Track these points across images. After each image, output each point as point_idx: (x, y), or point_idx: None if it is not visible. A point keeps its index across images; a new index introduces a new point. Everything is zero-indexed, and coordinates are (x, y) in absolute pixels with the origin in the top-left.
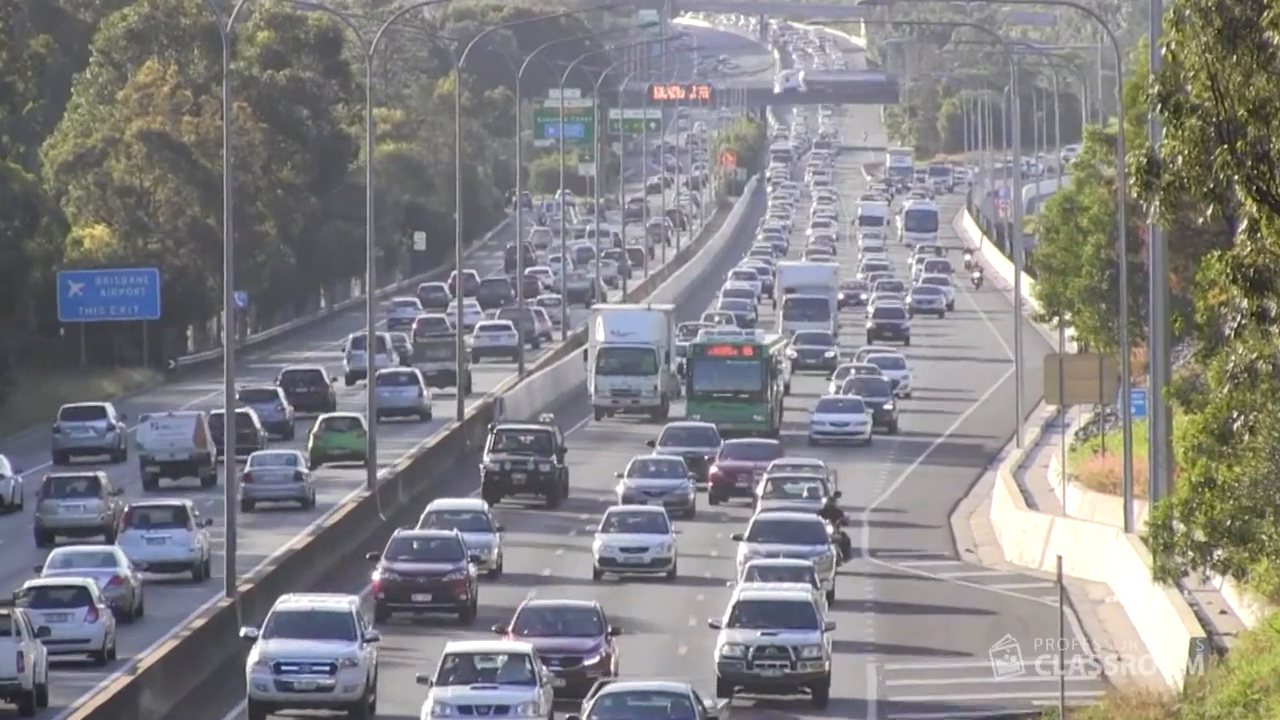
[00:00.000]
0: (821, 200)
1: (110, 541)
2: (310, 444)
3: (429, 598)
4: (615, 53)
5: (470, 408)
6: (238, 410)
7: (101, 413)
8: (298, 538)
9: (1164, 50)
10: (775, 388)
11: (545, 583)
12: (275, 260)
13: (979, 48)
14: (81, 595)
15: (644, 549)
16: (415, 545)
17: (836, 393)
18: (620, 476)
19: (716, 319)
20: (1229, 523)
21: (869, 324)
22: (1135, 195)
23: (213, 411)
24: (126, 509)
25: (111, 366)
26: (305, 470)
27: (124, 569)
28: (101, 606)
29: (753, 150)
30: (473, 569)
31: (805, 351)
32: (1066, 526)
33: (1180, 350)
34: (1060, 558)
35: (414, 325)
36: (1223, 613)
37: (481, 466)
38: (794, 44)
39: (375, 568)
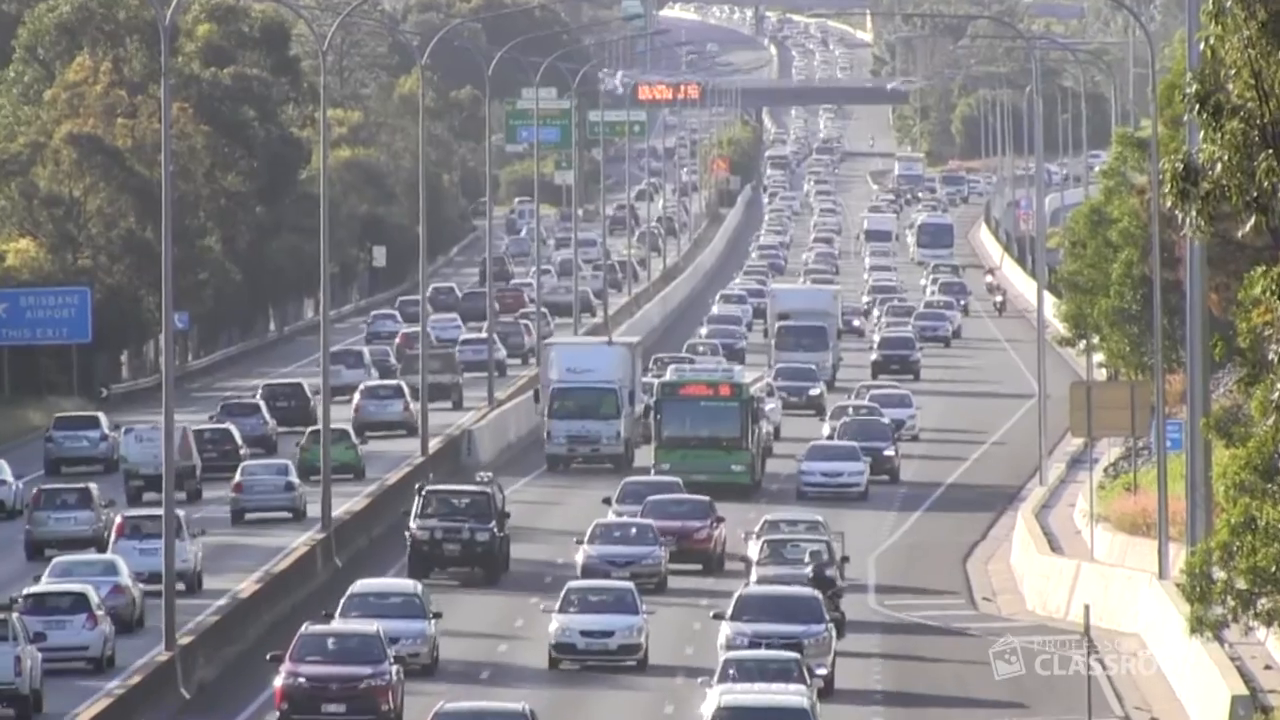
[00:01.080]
0: (824, 212)
1: (102, 553)
2: (298, 457)
3: (343, 708)
4: (595, 48)
5: (435, 440)
6: (218, 426)
7: (95, 422)
8: (244, 584)
9: (1202, 45)
10: (757, 433)
11: (486, 683)
12: (219, 278)
13: (998, 43)
14: (80, 602)
15: (609, 633)
16: (328, 643)
17: (830, 437)
18: (579, 543)
19: (701, 350)
20: (1274, 569)
21: (873, 355)
22: (1170, 206)
23: (195, 427)
24: (119, 519)
25: (38, 395)
26: (296, 480)
27: (125, 578)
28: (100, 614)
29: (747, 156)
30: (397, 671)
31: (787, 389)
32: (1095, 573)
33: (1220, 377)
34: (1088, 607)
35: (398, 340)
36: (1267, 668)
37: (407, 535)
38: (793, 39)
39: (277, 670)
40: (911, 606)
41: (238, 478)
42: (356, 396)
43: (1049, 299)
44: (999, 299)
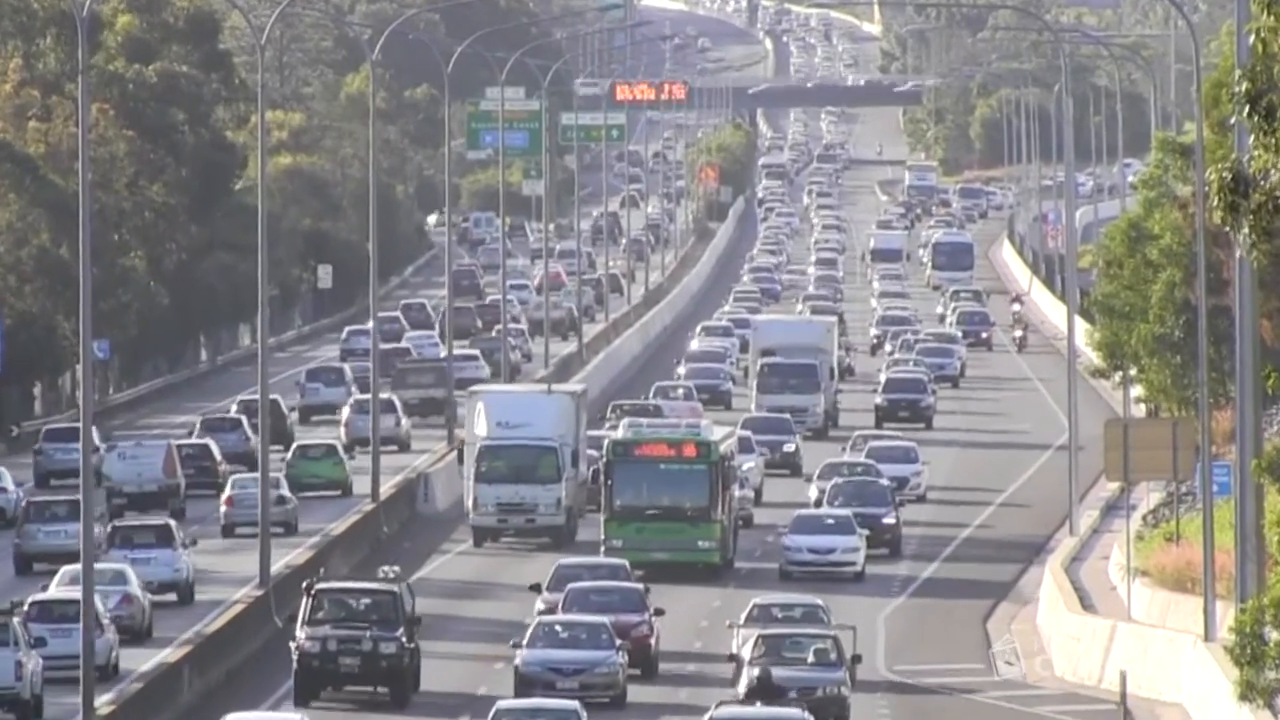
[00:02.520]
0: (826, 228)
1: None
2: (283, 473)
3: None
4: (568, 42)
5: (388, 485)
6: (198, 442)
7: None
8: (170, 649)
9: (1253, 38)
10: (730, 501)
11: None
12: (144, 301)
13: (1022, 36)
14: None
15: None
16: None
17: (818, 501)
18: (517, 646)
19: (673, 394)
20: None
21: (877, 399)
22: (1218, 220)
23: (177, 443)
24: (109, 529)
25: None
26: (288, 494)
27: (134, 588)
28: (105, 622)
29: (739, 164)
30: None
31: (754, 443)
32: (1132, 634)
33: (1274, 414)
34: (1124, 673)
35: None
36: None
37: (293, 646)
38: (792, 32)
39: None
40: (925, 672)
41: (228, 491)
42: (346, 411)
43: (1080, 325)
44: (1018, 333)
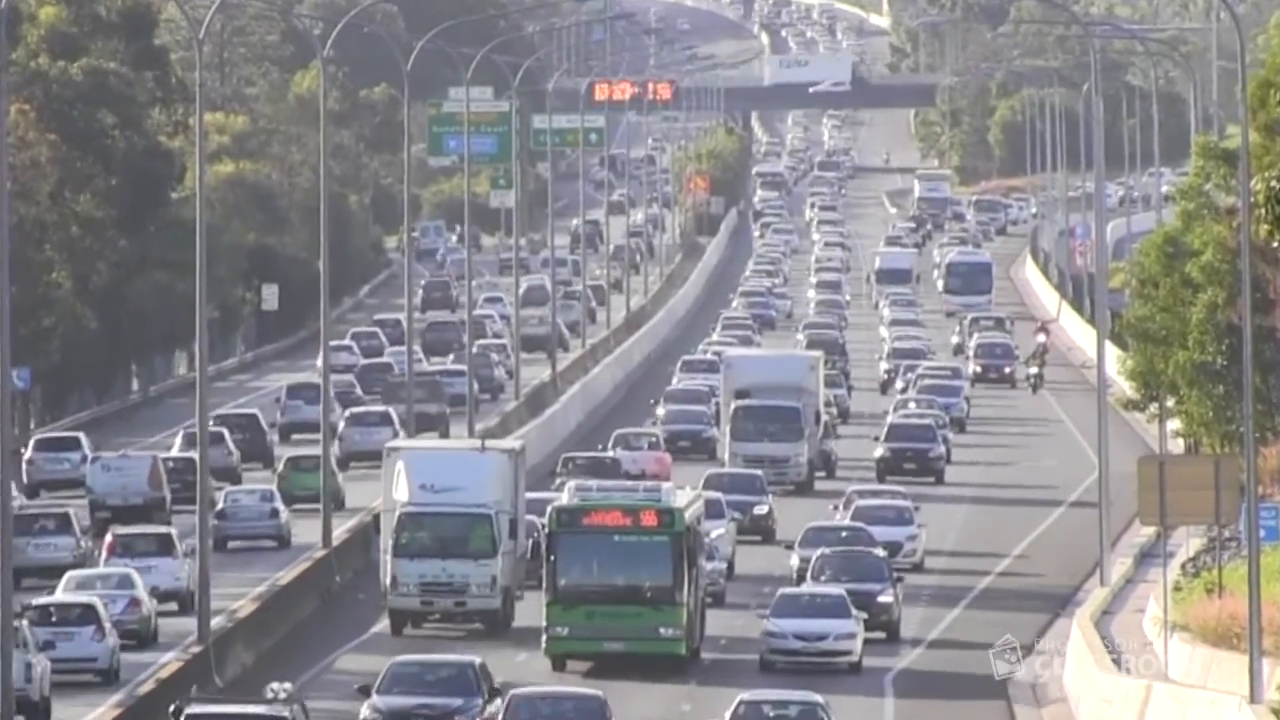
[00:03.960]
0: (828, 245)
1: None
2: (274, 485)
3: None
4: (541, 37)
5: (340, 530)
6: (181, 456)
7: (76, 443)
8: (100, 710)
9: None
10: (697, 579)
11: None
12: (69, 325)
13: (1048, 30)
14: (88, 614)
15: None
16: None
17: (800, 575)
18: None
19: (640, 444)
20: None
21: (878, 450)
22: (1265, 234)
23: (162, 456)
24: (109, 537)
25: None
26: (281, 507)
27: (140, 592)
28: (108, 626)
29: (732, 172)
30: None
31: (712, 502)
32: (1170, 695)
33: None
34: None
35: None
36: None
37: None
38: (791, 25)
39: None
40: None
41: (220, 504)
42: (341, 424)
43: (1112, 352)
44: (1033, 370)
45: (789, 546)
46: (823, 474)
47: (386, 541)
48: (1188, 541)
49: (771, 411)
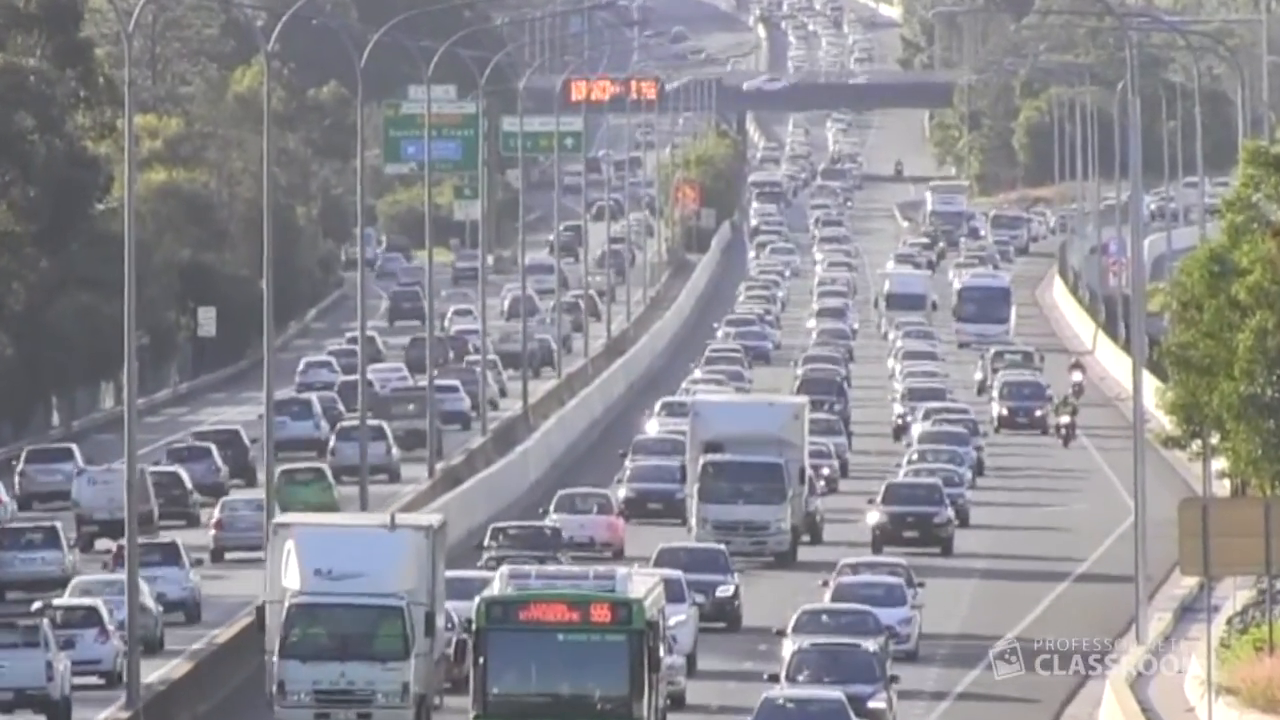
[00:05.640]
0: (832, 266)
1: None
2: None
3: None
4: (512, 30)
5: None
6: (166, 470)
7: (69, 454)
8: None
9: None
10: (658, 686)
11: None
12: None
13: (1078, 21)
14: (92, 617)
15: None
16: None
17: (787, 675)
18: None
19: (588, 506)
20: None
21: (873, 516)
22: None
23: (151, 469)
24: (114, 546)
25: None
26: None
27: (147, 599)
28: (112, 628)
29: (725, 181)
30: None
31: (671, 583)
32: None
33: None
34: None
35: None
36: None
37: None
38: (792, 18)
39: None
40: None
41: (217, 514)
42: (332, 439)
43: (1150, 383)
44: (1065, 420)
45: (780, 633)
46: (808, 539)
47: (273, 640)
48: (1234, 594)
49: (748, 468)
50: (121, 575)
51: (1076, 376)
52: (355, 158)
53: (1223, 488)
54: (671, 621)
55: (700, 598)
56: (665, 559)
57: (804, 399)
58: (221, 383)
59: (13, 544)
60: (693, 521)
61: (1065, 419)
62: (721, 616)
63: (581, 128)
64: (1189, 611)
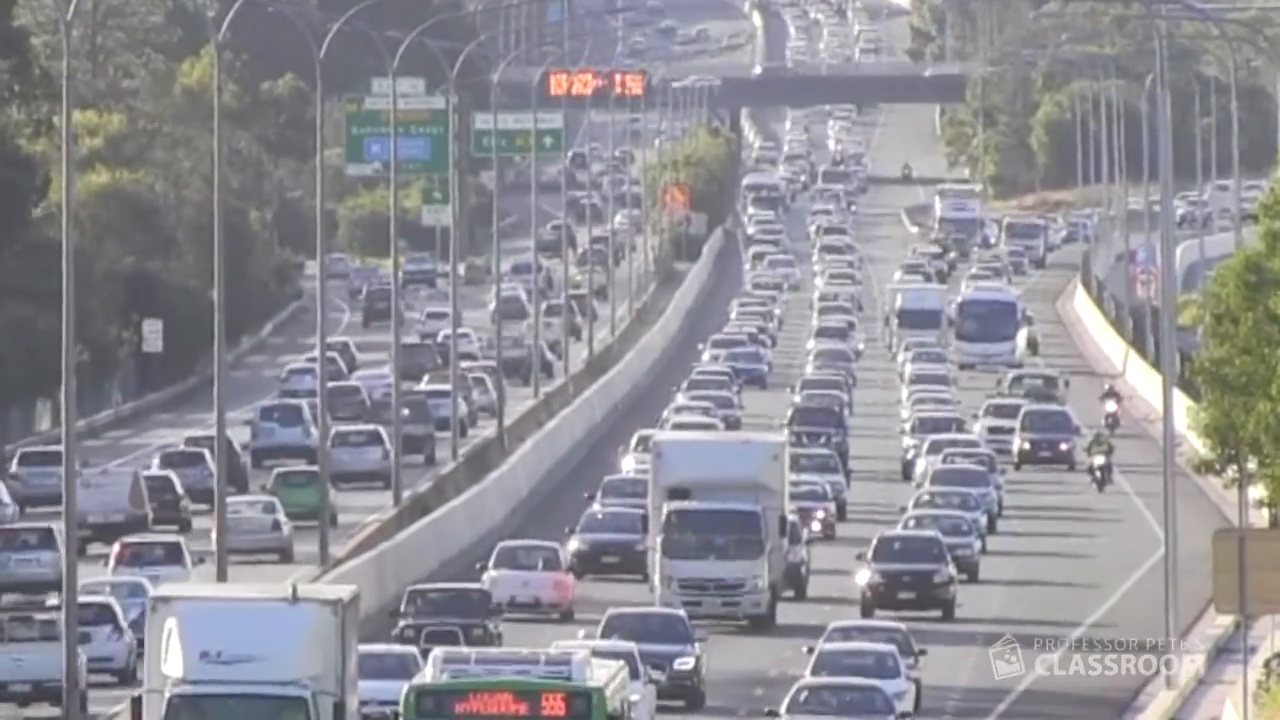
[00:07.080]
0: (834, 278)
1: None
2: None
3: None
4: (485, 18)
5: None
6: (158, 474)
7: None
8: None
9: None
10: None
11: None
12: None
13: (1103, 10)
14: (105, 613)
15: None
16: None
17: None
18: None
19: (533, 561)
20: None
21: (865, 575)
22: None
23: (144, 473)
24: (118, 546)
25: None
26: (284, 519)
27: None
28: (124, 625)
29: (717, 183)
30: None
31: (638, 660)
32: None
33: None
34: None
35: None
36: None
37: None
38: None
39: None
40: None
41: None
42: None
43: (1181, 403)
44: (1099, 460)
45: (773, 713)
46: (791, 594)
47: None
48: (1273, 633)
49: (719, 518)
50: (125, 577)
51: (1110, 407)
52: (314, 157)
53: (1260, 518)
54: (633, 698)
55: (656, 673)
56: (614, 626)
57: (783, 437)
58: (168, 402)
59: (8, 546)
60: (656, 579)
61: (1100, 459)
62: (681, 694)
63: (561, 125)
64: (1224, 653)
